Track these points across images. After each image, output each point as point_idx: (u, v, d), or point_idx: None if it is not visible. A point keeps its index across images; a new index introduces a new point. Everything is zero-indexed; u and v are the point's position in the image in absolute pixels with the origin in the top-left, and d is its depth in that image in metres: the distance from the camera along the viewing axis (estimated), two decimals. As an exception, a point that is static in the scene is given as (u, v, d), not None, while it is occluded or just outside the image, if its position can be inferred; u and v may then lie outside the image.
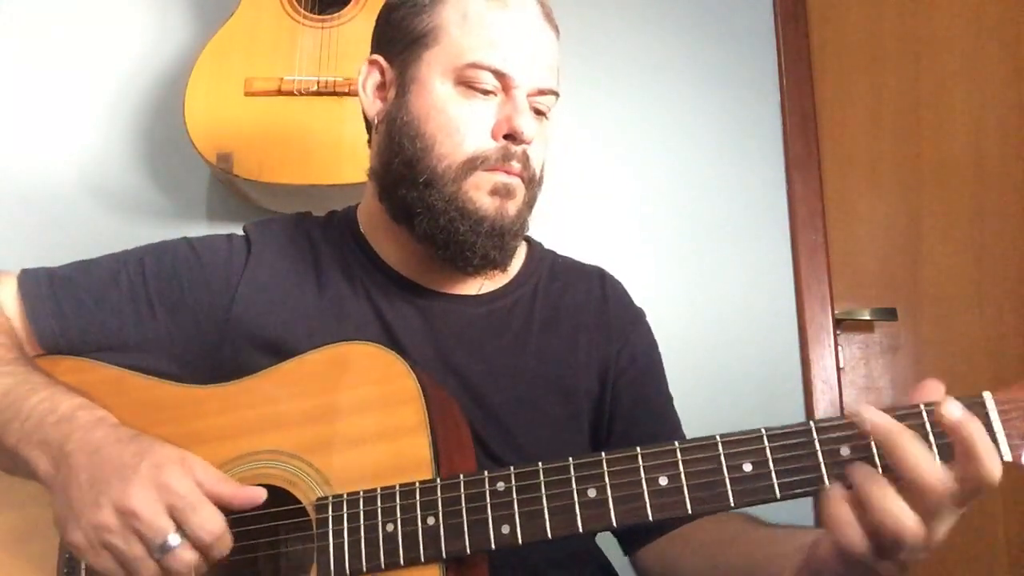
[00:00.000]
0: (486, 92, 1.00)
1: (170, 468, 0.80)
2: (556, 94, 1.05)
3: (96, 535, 0.79)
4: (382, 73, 1.07)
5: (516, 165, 1.00)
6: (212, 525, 0.79)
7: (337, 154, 1.59)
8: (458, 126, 0.99)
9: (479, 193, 1.00)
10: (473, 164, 0.99)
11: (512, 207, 1.02)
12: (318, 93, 1.62)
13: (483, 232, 1.00)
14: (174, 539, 0.78)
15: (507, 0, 1.01)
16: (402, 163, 1.02)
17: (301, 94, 1.62)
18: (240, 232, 1.13)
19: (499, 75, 0.99)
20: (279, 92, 1.63)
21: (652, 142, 2.01)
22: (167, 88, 1.86)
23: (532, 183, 1.04)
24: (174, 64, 1.86)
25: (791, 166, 2.03)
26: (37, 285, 1.04)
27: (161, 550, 0.78)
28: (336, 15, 1.69)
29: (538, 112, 1.04)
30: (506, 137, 1.00)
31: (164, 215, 1.84)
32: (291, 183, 1.61)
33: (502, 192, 1.00)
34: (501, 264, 1.05)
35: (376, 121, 1.08)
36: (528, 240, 1.18)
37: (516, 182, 1.01)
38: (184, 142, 1.62)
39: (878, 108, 2.14)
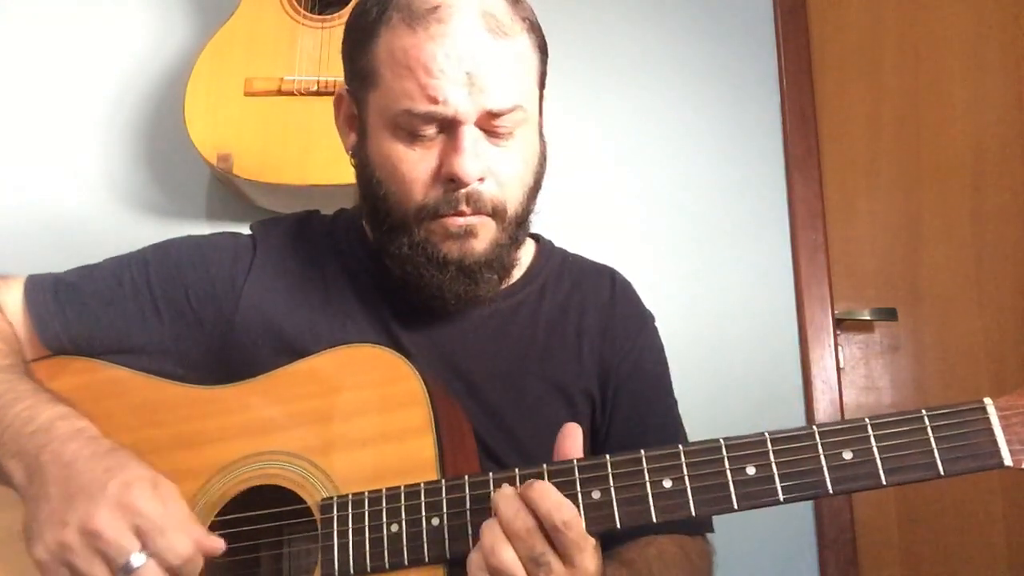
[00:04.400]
0: (427, 136, 0.94)
1: (139, 488, 0.79)
2: (516, 109, 0.95)
3: (59, 553, 0.78)
4: (349, 106, 1.04)
5: (465, 207, 0.95)
6: (181, 548, 0.78)
7: (337, 154, 1.55)
8: (403, 176, 0.95)
9: (436, 238, 0.97)
10: (423, 214, 0.96)
11: (479, 244, 0.97)
12: (318, 93, 1.63)
13: (449, 276, 0.97)
14: (137, 559, 0.76)
15: (432, 30, 0.91)
16: (370, 205, 1.01)
17: (301, 94, 1.62)
18: (246, 231, 1.13)
19: (434, 119, 0.92)
20: (279, 92, 1.63)
21: (652, 142, 2.01)
22: (167, 88, 1.86)
23: (500, 212, 0.97)
24: (174, 64, 1.86)
25: (791, 166, 2.03)
26: (43, 292, 1.04)
27: (124, 570, 0.76)
28: (336, 15, 1.69)
29: (498, 135, 0.96)
30: (450, 180, 0.94)
31: (164, 215, 1.84)
32: (291, 183, 1.61)
33: (459, 234, 0.96)
34: (484, 296, 1.01)
35: (350, 154, 1.06)
36: (537, 238, 1.16)
37: (474, 220, 0.96)
38: (184, 142, 1.62)
39: (878, 108, 2.14)
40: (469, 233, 0.96)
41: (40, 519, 0.80)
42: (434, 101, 0.91)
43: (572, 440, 0.82)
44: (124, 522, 0.77)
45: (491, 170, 0.95)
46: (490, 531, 0.76)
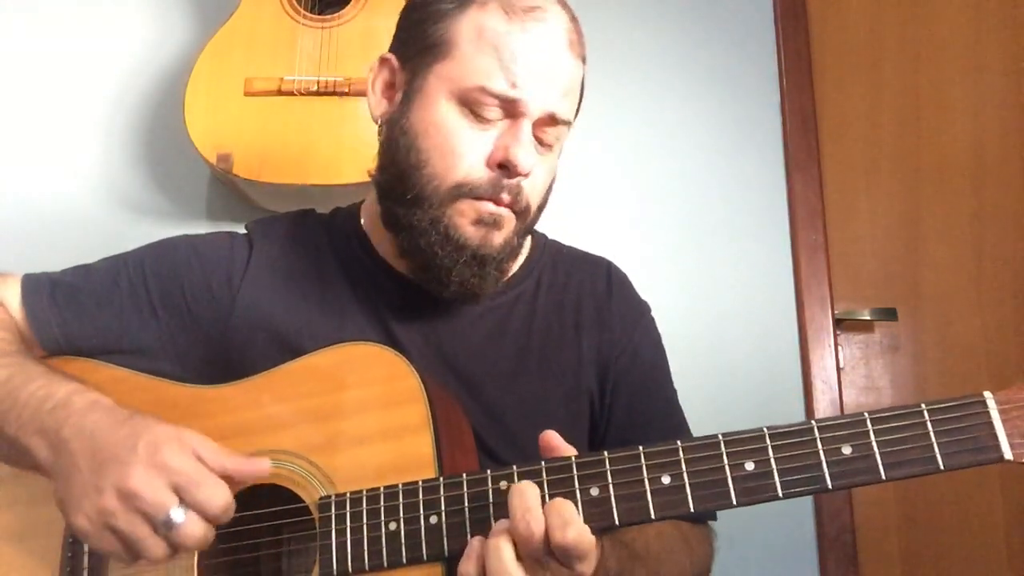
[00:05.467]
0: (490, 119, 0.96)
1: (168, 446, 0.79)
2: (567, 124, 1.01)
3: (100, 519, 0.78)
4: (392, 73, 1.04)
5: (506, 197, 0.96)
6: (218, 499, 0.79)
7: (337, 154, 1.59)
8: (453, 148, 0.96)
9: (463, 220, 0.97)
10: (460, 191, 0.96)
11: (498, 237, 0.99)
12: (318, 93, 1.62)
13: (462, 260, 0.98)
14: (177, 513, 0.78)
15: (527, 24, 0.96)
16: (395, 174, 1.00)
17: (301, 94, 1.62)
18: (242, 230, 1.13)
19: (506, 102, 0.95)
20: (279, 92, 1.63)
21: (652, 142, 2.01)
22: (167, 88, 1.86)
23: (525, 214, 1.00)
24: (174, 64, 1.86)
25: (791, 166, 2.03)
26: (39, 293, 1.04)
27: (166, 526, 0.77)
28: (336, 15, 1.69)
29: (543, 144, 1.00)
30: (501, 167, 0.96)
31: (164, 215, 1.84)
32: (291, 183, 1.61)
33: (488, 222, 0.97)
34: (480, 291, 1.02)
35: (379, 122, 1.05)
36: (532, 232, 1.17)
37: (505, 212, 0.98)
38: (184, 142, 1.62)
39: (878, 108, 2.14)
40: (496, 223, 0.98)
41: (74, 492, 0.80)
42: (512, 85, 0.95)
43: (554, 452, 0.82)
44: (160, 480, 0.78)
45: (533, 171, 0.98)
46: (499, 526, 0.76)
